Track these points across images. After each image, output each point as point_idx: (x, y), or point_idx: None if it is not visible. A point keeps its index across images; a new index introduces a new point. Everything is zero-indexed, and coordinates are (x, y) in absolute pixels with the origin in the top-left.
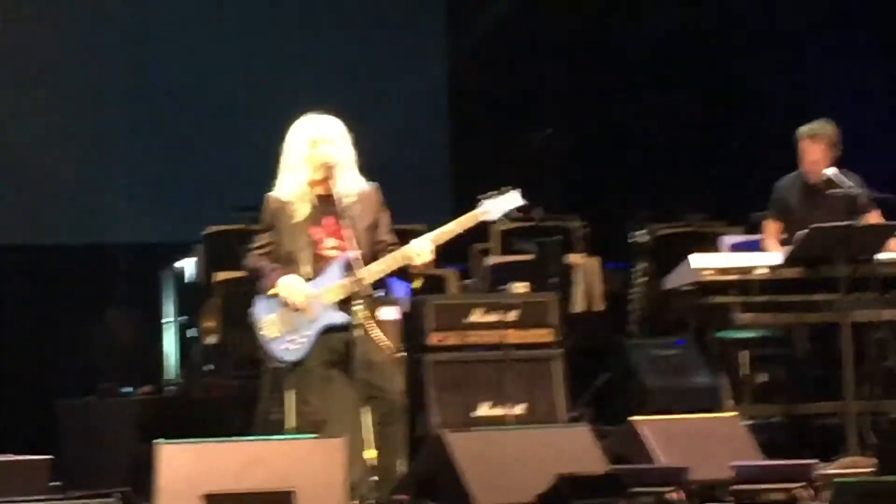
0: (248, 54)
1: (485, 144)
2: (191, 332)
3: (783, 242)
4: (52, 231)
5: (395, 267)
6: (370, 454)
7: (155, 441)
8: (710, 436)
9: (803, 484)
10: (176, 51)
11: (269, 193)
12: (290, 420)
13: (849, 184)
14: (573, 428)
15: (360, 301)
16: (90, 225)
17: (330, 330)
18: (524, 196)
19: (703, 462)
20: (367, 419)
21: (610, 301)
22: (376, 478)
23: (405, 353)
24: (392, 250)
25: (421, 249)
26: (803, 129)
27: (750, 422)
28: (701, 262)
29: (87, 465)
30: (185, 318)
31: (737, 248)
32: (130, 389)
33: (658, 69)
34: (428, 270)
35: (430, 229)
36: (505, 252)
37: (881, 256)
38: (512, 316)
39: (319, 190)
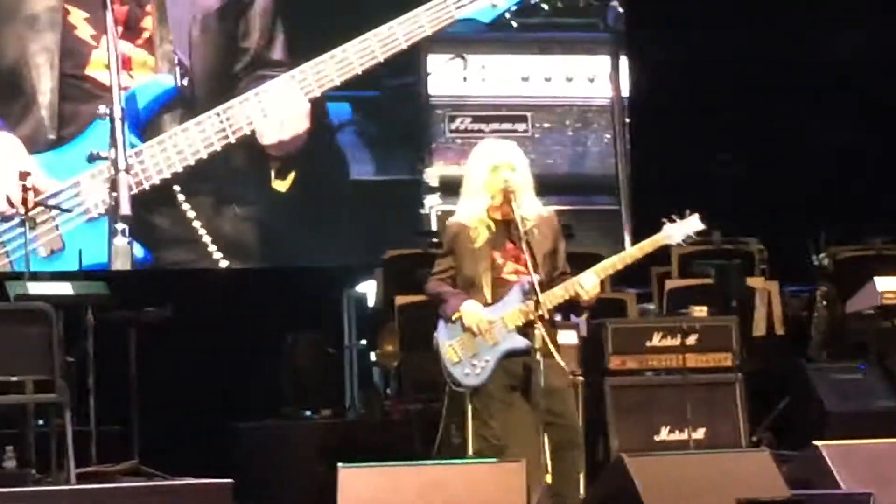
0: None
1: (663, 167)
2: (371, 356)
3: None
4: (237, 255)
5: (567, 297)
6: (549, 479)
7: (336, 464)
8: (894, 461)
9: None
10: None
11: (450, 218)
12: (471, 444)
13: None
14: (754, 452)
15: (540, 325)
16: (274, 249)
17: (510, 354)
18: (703, 220)
19: (886, 488)
20: (546, 443)
21: (790, 325)
22: (555, 502)
23: (584, 378)
24: (565, 279)
25: (589, 285)
26: None
27: None
28: (886, 285)
29: (267, 488)
30: (366, 342)
31: None
32: (311, 413)
33: (839, 89)
34: (593, 303)
35: (610, 254)
36: (684, 276)
37: None
38: (692, 340)
39: (499, 215)
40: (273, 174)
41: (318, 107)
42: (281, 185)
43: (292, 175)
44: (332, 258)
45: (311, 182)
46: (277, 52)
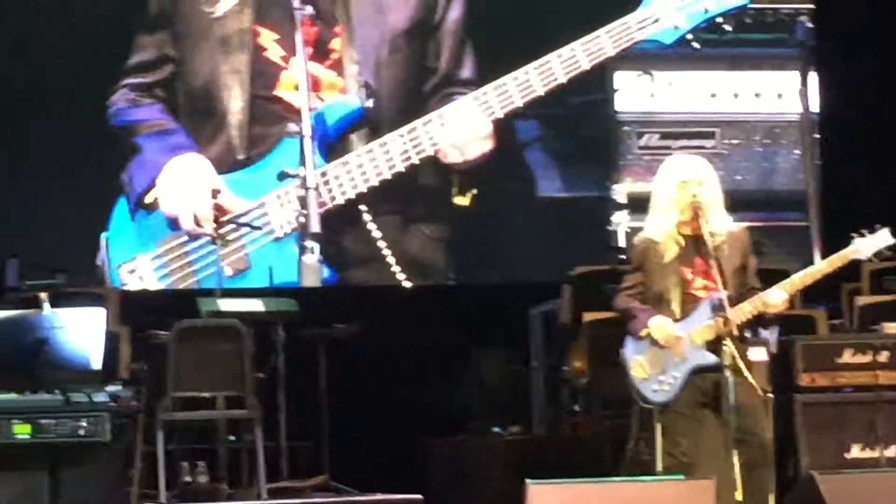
0: None
1: (853, 183)
2: (559, 373)
3: None
4: (423, 273)
5: (755, 312)
6: (739, 496)
7: (525, 480)
8: None
9: None
10: None
11: (639, 234)
12: (660, 461)
13: None
14: None
15: (730, 342)
16: (461, 267)
17: (699, 371)
18: (894, 234)
19: None
20: (736, 461)
21: None
22: None
23: (774, 395)
24: (754, 295)
25: (776, 300)
26: None
27: None
28: None
29: (456, 503)
30: (554, 358)
31: None
32: (499, 429)
33: None
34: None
35: (798, 269)
36: (875, 292)
37: None
38: (883, 357)
39: (688, 230)
40: (454, 189)
41: (505, 124)
42: (462, 200)
43: (473, 190)
44: (519, 275)
45: (499, 199)
46: (466, 72)
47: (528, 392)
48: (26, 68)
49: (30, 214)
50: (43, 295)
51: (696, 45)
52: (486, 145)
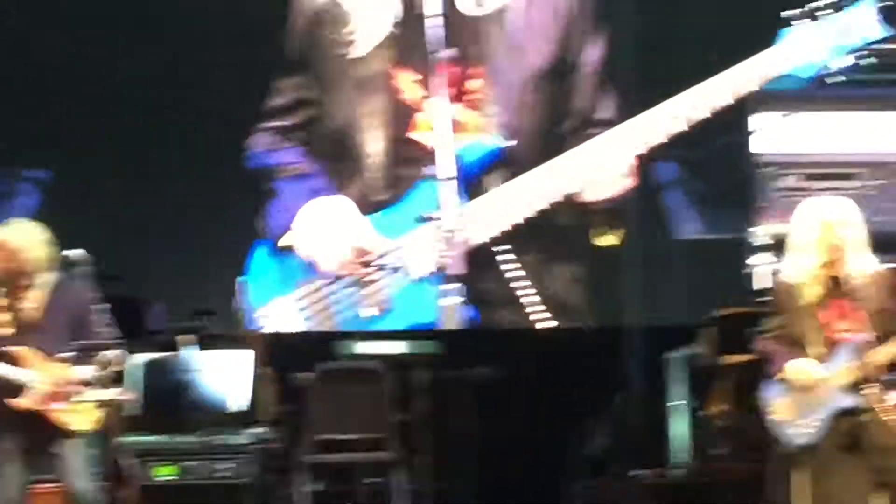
0: None
1: None
2: (700, 415)
3: None
4: (564, 314)
5: None
6: None
7: None
8: None
9: None
10: None
11: (779, 276)
12: None
13: None
14: None
15: (872, 384)
16: (601, 308)
17: (841, 414)
18: None
19: None
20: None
21: None
22: None
23: None
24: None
25: None
26: None
27: None
28: None
29: None
30: (695, 400)
31: None
32: (640, 472)
33: None
34: None
35: None
36: None
37: None
38: None
39: (830, 271)
40: (595, 230)
41: (644, 166)
42: (604, 241)
43: (616, 232)
44: (660, 317)
45: (639, 241)
46: (605, 112)
47: (668, 435)
48: (167, 112)
49: (174, 257)
50: (188, 337)
51: (835, 81)
52: (628, 182)
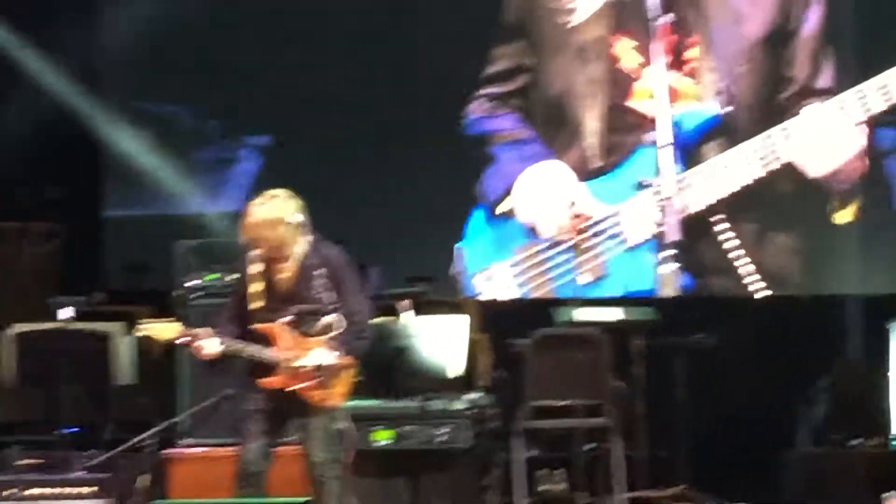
0: None
1: None
2: None
3: None
4: (779, 283)
5: None
6: None
7: (882, 495)
8: None
9: None
10: None
11: None
12: None
13: None
14: None
15: None
16: (817, 278)
17: None
18: None
19: None
20: None
21: None
22: None
23: None
24: None
25: None
26: None
27: None
28: None
29: None
30: None
31: None
32: (859, 441)
33: None
34: None
35: None
36: None
37: None
38: None
39: None
40: (835, 205)
41: (864, 133)
42: (842, 217)
43: (854, 205)
44: (877, 286)
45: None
46: (824, 80)
47: (888, 405)
48: (385, 79)
49: (391, 223)
50: (405, 303)
51: None
52: (849, 152)
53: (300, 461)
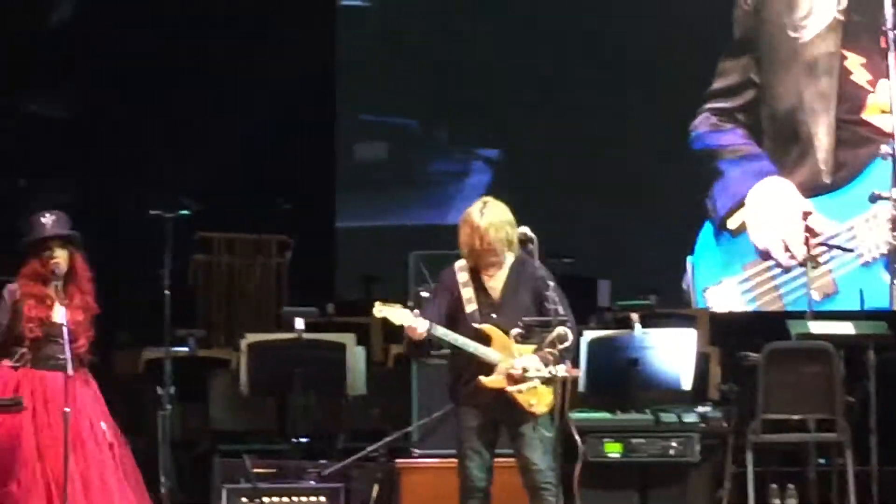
0: None
1: None
2: None
3: None
4: None
5: None
6: None
7: None
8: None
9: None
10: None
11: None
12: None
13: None
14: None
15: None
16: None
17: None
18: None
19: None
20: None
21: None
22: None
23: None
24: None
25: None
26: None
27: None
28: None
29: None
30: None
31: None
32: None
33: None
34: None
35: None
36: None
37: None
38: None
39: None
40: None
41: None
42: None
43: None
44: None
45: None
46: None
47: None
48: (612, 94)
49: (621, 237)
50: (634, 315)
51: None
52: None
53: (515, 472)
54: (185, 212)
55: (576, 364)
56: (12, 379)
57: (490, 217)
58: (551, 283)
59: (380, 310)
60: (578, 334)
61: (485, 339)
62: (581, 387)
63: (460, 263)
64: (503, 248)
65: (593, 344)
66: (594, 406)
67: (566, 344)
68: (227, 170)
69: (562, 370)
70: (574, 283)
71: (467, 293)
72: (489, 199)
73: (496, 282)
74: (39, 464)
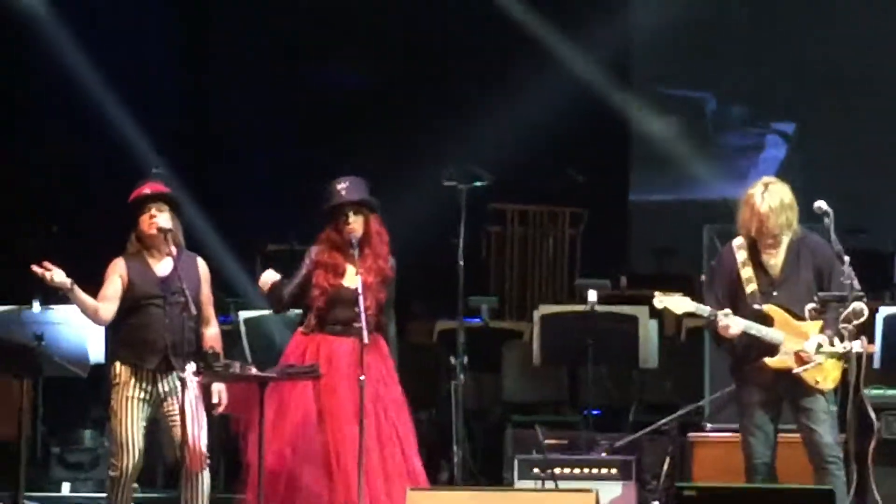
0: None
1: None
2: None
3: None
4: None
5: None
6: None
7: None
8: None
9: None
10: None
11: None
12: None
13: None
14: None
15: None
16: None
17: None
18: None
19: None
20: None
21: None
22: None
23: None
24: None
25: None
26: None
27: None
28: None
29: None
30: None
31: None
32: None
33: None
34: None
35: None
36: None
37: None
38: None
39: None
40: None
41: None
42: None
43: None
44: None
45: None
46: None
47: None
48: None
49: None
50: None
51: None
52: None
53: (798, 447)
54: (479, 182)
55: (871, 340)
56: (301, 344)
57: (770, 201)
58: (847, 258)
59: (660, 300)
60: (874, 310)
61: (766, 320)
62: (876, 363)
63: (738, 241)
64: (783, 232)
65: (889, 320)
66: (889, 383)
67: (862, 319)
68: (521, 142)
69: (857, 346)
70: (869, 258)
71: (746, 273)
72: (771, 179)
73: (776, 259)
74: (319, 428)
